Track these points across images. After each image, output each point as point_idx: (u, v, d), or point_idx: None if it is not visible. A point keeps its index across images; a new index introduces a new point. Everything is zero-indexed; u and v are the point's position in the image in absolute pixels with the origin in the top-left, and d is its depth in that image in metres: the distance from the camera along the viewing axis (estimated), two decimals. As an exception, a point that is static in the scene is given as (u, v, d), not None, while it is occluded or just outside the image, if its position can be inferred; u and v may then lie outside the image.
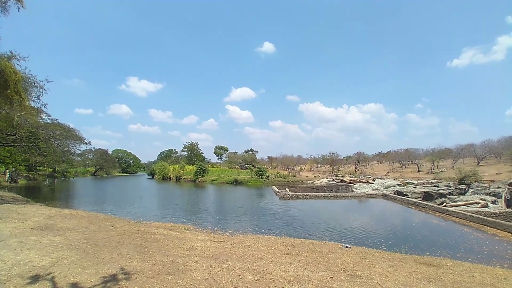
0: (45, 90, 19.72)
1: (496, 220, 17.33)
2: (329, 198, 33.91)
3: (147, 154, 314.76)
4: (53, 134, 25.93)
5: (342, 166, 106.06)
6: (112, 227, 13.26)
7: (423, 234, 16.16)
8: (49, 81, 19.76)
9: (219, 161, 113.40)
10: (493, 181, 40.56)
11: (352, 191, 41.62)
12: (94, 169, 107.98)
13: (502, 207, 25.91)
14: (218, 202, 34.04)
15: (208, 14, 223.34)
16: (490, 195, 31.22)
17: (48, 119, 25.71)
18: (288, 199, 32.51)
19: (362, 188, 43.40)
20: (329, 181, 57.88)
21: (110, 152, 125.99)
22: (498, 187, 33.90)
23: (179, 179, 77.57)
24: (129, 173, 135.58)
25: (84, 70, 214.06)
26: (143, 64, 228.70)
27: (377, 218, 22.05)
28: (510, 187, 33.74)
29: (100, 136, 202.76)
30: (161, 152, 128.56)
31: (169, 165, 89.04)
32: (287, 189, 40.36)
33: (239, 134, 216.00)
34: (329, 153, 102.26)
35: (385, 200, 31.92)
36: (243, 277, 6.90)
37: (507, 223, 16.46)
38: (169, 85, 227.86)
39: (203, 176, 73.01)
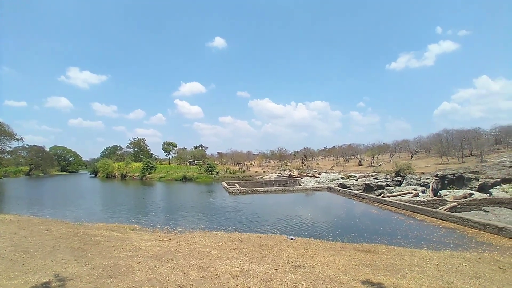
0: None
1: (424, 207, 19.15)
2: (277, 192, 34.69)
3: (89, 151, 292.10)
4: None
5: (290, 161, 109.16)
6: (46, 231, 12.22)
7: (365, 223, 17.22)
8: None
9: (168, 157, 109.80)
10: (423, 173, 44.76)
11: (299, 185, 43.08)
12: (28, 168, 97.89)
13: (429, 196, 28.73)
14: (167, 200, 33.01)
15: (158, 5, 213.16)
16: (421, 186, 34.45)
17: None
18: (238, 195, 32.66)
19: (309, 182, 45.15)
20: (277, 176, 59.27)
21: (47, 149, 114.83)
22: (427, 178, 37.52)
23: (124, 177, 73.75)
24: (69, 172, 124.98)
25: (16, 57, 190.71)
26: (86, 54, 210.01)
27: (323, 210, 23.09)
28: (436, 178, 37.55)
29: (35, 131, 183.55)
30: (104, 149, 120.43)
31: (114, 163, 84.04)
32: (236, 184, 40.49)
33: (189, 130, 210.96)
34: (278, 148, 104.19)
35: (330, 192, 33.53)
36: (188, 275, 6.79)
37: (433, 209, 18.28)
38: (114, 77, 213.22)
39: (150, 173, 70.27)
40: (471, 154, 60.33)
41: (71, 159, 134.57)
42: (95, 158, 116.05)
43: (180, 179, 62.39)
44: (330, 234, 14.54)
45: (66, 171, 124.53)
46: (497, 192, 27.54)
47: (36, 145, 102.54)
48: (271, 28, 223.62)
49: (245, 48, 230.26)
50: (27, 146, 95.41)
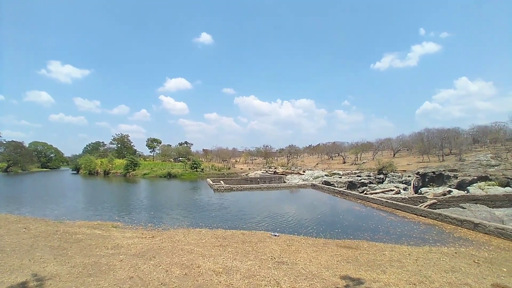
0: None
1: (405, 204, 19.61)
2: (262, 190, 34.78)
3: (71, 147, 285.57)
4: None
5: (275, 158, 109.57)
6: (24, 229, 11.88)
7: (349, 220, 17.48)
8: None
9: (152, 154, 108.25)
10: (405, 171, 45.83)
11: (284, 182, 43.39)
12: (6, 165, 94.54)
13: (411, 193, 29.44)
14: (151, 197, 32.60)
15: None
16: (402, 183, 35.27)
17: None
18: (223, 192, 32.58)
19: (294, 179, 45.52)
20: (262, 173, 59.46)
21: (27, 145, 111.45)
22: (409, 176, 38.47)
23: (107, 174, 72.31)
24: (50, 169, 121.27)
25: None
26: (68, 47, 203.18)
27: (307, 207, 23.29)
28: (417, 176, 38.51)
29: (13, 127, 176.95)
30: (87, 145, 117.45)
31: (97, 159, 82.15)
32: (221, 181, 40.38)
33: (174, 126, 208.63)
34: (263, 146, 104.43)
35: (314, 190, 33.86)
36: (170, 272, 6.75)
37: (414, 206, 18.75)
38: (98, 72, 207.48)
39: (134, 170, 69.14)
40: (450, 152, 62.10)
41: (52, 155, 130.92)
42: (77, 154, 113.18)
43: (165, 176, 61.70)
44: (315, 231, 14.68)
45: (46, 168, 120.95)
46: (474, 190, 28.49)
47: (14, 141, 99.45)
48: (258, 25, 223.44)
49: (231, 44, 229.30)
50: (4, 142, 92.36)
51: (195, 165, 66.72)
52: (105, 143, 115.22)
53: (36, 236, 10.59)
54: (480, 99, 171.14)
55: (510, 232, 12.22)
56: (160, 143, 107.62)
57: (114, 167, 74.78)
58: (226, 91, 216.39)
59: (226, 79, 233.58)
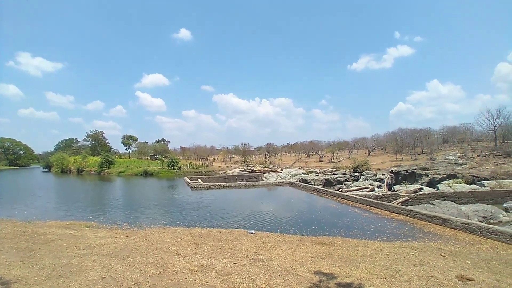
0: None
1: (379, 201, 20.21)
2: (240, 188, 34.82)
3: (42, 144, 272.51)
4: None
5: (254, 156, 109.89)
6: (-12, 230, 11.29)
7: (325, 217, 17.80)
8: None
9: (128, 151, 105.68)
10: (379, 169, 47.22)
11: (262, 180, 43.63)
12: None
13: (384, 190, 30.35)
14: (127, 195, 31.91)
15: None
16: (377, 181, 36.30)
17: None
18: (200, 190, 32.33)
19: (271, 177, 45.84)
20: (240, 171, 59.55)
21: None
22: (383, 174, 39.66)
23: (81, 172, 70.10)
24: (18, 166, 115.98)
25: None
26: (39, 38, 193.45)
27: (285, 204, 23.55)
28: (391, 174, 39.79)
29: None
30: (59, 142, 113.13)
31: (70, 156, 79.41)
32: (199, 179, 40.05)
33: (150, 123, 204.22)
34: (241, 144, 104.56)
35: (292, 187, 34.22)
36: (144, 272, 6.63)
37: (387, 203, 19.36)
38: (72, 65, 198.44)
39: (109, 168, 67.49)
40: (422, 152, 64.45)
41: (21, 152, 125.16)
42: (49, 151, 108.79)
43: (141, 174, 60.65)
44: (292, 228, 14.83)
45: (15, 166, 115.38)
46: (443, 187, 29.75)
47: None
48: (237, 23, 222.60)
49: (211, 41, 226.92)
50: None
51: (172, 163, 65.88)
52: (78, 140, 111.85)
53: (1, 238, 10.12)
54: (449, 101, 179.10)
55: (474, 226, 12.87)
56: (136, 140, 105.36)
57: (88, 165, 72.54)
58: (204, 88, 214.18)
59: (205, 76, 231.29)
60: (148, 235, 11.42)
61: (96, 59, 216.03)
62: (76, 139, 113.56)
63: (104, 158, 69.06)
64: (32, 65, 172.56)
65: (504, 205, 19.16)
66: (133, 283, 6.01)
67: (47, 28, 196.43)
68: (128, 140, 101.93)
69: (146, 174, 60.65)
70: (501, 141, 57.76)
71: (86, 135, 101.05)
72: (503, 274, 7.00)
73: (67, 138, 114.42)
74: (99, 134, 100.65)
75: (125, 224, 16.02)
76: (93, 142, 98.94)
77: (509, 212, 17.83)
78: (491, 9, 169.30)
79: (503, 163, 40.85)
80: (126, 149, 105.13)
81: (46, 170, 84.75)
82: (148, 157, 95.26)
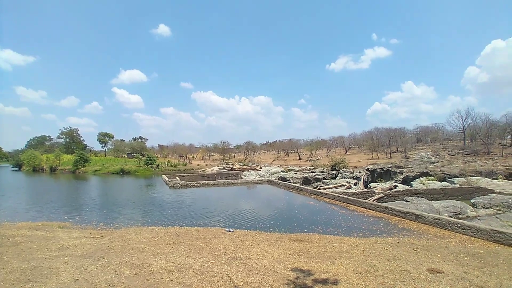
0: None
1: (355, 198, 20.66)
2: (219, 186, 34.65)
3: (12, 141, 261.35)
4: None
5: (233, 154, 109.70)
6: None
7: (304, 215, 18.00)
8: None
9: (104, 149, 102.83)
10: (356, 167, 48.27)
11: (241, 178, 43.64)
12: None
13: (361, 188, 31.06)
14: (103, 194, 30.99)
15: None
16: (354, 179, 37.10)
17: None
18: (179, 188, 31.93)
19: (250, 175, 45.92)
20: (219, 169, 59.27)
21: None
22: (359, 172, 40.60)
23: (54, 171, 67.39)
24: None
25: None
26: (8, 29, 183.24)
27: (264, 202, 23.65)
28: (367, 172, 40.80)
29: None
30: (31, 139, 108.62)
31: (42, 154, 76.21)
32: (177, 178, 39.55)
33: (128, 120, 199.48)
34: (221, 142, 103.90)
35: (270, 185, 34.41)
36: (119, 272, 6.47)
37: (363, 200, 19.83)
38: (44, 59, 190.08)
39: (84, 166, 65.30)
40: (397, 150, 66.47)
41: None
42: (19, 149, 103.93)
43: (117, 173, 59.32)
44: (271, 226, 14.91)
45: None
46: (417, 184, 30.82)
47: None
48: (218, 20, 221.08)
49: (190, 38, 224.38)
50: None
51: (150, 161, 64.67)
52: (51, 137, 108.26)
53: (-36, 241, 9.59)
54: (423, 102, 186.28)
55: (445, 221, 13.43)
56: (113, 138, 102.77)
57: (61, 163, 69.88)
58: (183, 86, 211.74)
59: (184, 73, 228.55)
60: (124, 235, 11.14)
61: (71, 53, 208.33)
62: (49, 136, 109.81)
63: (78, 156, 66.83)
64: (1, 58, 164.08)
65: (472, 201, 20.07)
66: (108, 284, 5.85)
67: (18, 18, 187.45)
68: (104, 138, 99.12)
69: (122, 172, 59.33)
70: (469, 141, 60.65)
71: (60, 132, 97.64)
72: (470, 266, 7.34)
73: (40, 135, 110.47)
74: (73, 131, 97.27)
75: (101, 224, 15.57)
76: (67, 140, 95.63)
77: (476, 208, 18.70)
78: (462, 16, 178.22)
79: (471, 161, 42.89)
80: (102, 147, 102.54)
81: (16, 169, 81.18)
82: (125, 155, 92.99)
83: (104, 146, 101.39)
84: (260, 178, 40.19)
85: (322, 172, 43.16)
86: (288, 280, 6.17)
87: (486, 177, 32.26)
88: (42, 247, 9.10)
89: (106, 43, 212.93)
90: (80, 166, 64.98)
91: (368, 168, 42.75)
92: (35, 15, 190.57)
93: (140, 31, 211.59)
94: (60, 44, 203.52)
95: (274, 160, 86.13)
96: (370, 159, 61.28)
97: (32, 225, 14.09)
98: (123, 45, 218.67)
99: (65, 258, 7.69)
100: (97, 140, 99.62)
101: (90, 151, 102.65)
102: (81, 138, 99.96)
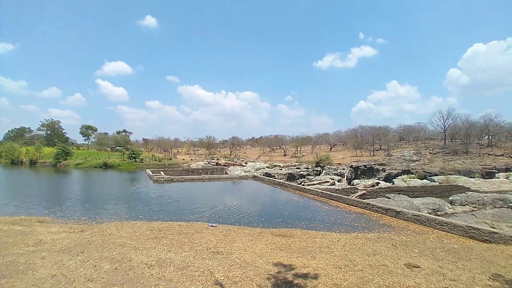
0: None
1: (339, 195, 20.99)
2: (204, 181, 34.56)
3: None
4: None
5: (218, 149, 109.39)
6: None
7: (288, 210, 18.20)
8: None
9: (87, 142, 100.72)
10: (340, 164, 48.99)
11: (226, 173, 43.63)
12: None
13: (344, 184, 31.53)
14: (85, 189, 30.42)
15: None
16: (337, 175, 37.61)
17: None
18: (163, 183, 31.65)
19: (236, 171, 45.96)
20: (205, 164, 59.04)
21: None
22: (343, 169, 41.18)
23: (34, 164, 65.32)
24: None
25: None
26: None
27: (249, 197, 23.74)
28: (351, 169, 41.43)
29: None
30: (9, 131, 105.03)
31: (21, 147, 73.88)
32: (161, 172, 39.18)
33: (111, 113, 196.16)
34: (206, 136, 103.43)
35: (255, 181, 34.51)
36: (99, 267, 6.37)
37: (346, 197, 20.15)
38: (24, 47, 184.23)
39: (66, 159, 63.64)
40: (380, 148, 67.80)
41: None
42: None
43: (100, 166, 58.23)
44: (256, 221, 15.00)
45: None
46: (398, 182, 31.55)
47: None
48: (206, 14, 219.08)
49: (177, 31, 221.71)
50: None
51: (134, 155, 63.68)
52: (32, 129, 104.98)
53: None
54: (407, 101, 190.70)
55: (424, 218, 13.84)
56: (96, 130, 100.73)
57: (42, 156, 67.82)
58: (169, 79, 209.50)
59: (170, 66, 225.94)
60: (105, 230, 10.96)
61: (53, 42, 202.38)
62: (29, 128, 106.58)
63: (60, 149, 65.05)
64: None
65: (450, 198, 20.73)
66: (86, 279, 5.75)
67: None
68: (87, 131, 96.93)
69: (106, 166, 58.32)
70: (450, 140, 62.41)
71: (41, 124, 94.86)
72: (445, 261, 7.59)
73: (19, 127, 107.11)
74: (55, 124, 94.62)
75: (83, 218, 15.30)
76: (48, 132, 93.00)
77: (454, 205, 19.34)
78: (447, 19, 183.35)
79: (450, 160, 44.18)
80: (84, 140, 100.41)
81: (-7, 161, 78.53)
82: (108, 149, 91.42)
83: (87, 139, 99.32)
84: (245, 174, 40.27)
85: (307, 168, 43.58)
86: (269, 274, 6.22)
87: (464, 175, 33.36)
88: (18, 242, 8.86)
89: (91, 33, 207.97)
90: (62, 159, 63.37)
91: (352, 165, 43.43)
92: (16, 0, 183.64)
93: (126, 22, 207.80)
94: (41, 32, 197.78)
95: (259, 156, 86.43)
96: (354, 156, 62.27)
97: (9, 220, 13.66)
98: (108, 35, 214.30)
99: (43, 253, 7.50)
100: (80, 133, 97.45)
101: (73, 144, 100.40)
102: (63, 131, 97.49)
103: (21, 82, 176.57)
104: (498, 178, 32.16)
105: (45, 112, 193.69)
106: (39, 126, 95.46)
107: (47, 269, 6.29)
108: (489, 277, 6.37)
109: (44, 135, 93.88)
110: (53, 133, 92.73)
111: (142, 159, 64.85)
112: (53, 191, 27.97)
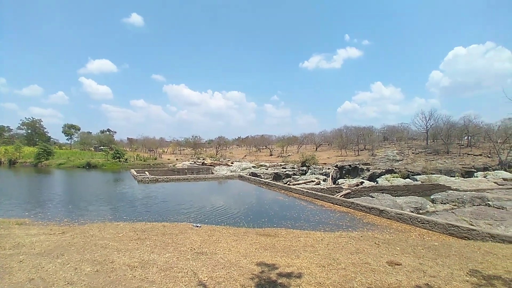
0: None
1: (323, 194, 21.19)
2: (189, 181, 34.29)
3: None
4: None
5: (205, 149, 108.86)
6: None
7: (274, 210, 18.25)
8: None
9: (69, 142, 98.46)
10: (325, 163, 49.51)
11: (212, 173, 43.45)
12: None
13: (329, 184, 31.87)
14: (68, 189, 29.72)
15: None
16: (323, 175, 37.99)
17: None
18: (148, 183, 31.23)
19: (222, 171, 45.85)
20: (190, 164, 58.63)
21: None
22: (328, 168, 41.62)
23: (14, 164, 63.35)
24: None
25: None
26: None
27: (234, 197, 23.71)
28: (336, 168, 41.92)
29: None
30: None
31: (0, 146, 71.61)
32: (146, 172, 38.71)
33: (95, 112, 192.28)
34: (192, 136, 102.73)
35: (241, 181, 34.46)
36: (80, 270, 6.23)
37: (331, 196, 20.38)
38: (4, 43, 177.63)
39: (47, 159, 62.06)
40: (365, 148, 68.84)
41: None
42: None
43: (83, 166, 57.10)
44: (242, 221, 14.95)
45: None
46: (382, 181, 32.09)
47: None
48: (193, 13, 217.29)
49: (164, 29, 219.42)
50: None
51: (118, 154, 62.64)
52: (11, 128, 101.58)
53: None
54: (391, 102, 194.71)
55: (406, 216, 14.15)
56: (79, 130, 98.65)
57: (22, 156, 65.82)
58: (155, 78, 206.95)
59: (156, 65, 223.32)
60: (87, 231, 10.72)
61: (34, 38, 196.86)
62: (8, 127, 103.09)
63: (41, 149, 63.34)
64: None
65: (431, 197, 21.29)
66: (66, 282, 5.61)
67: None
68: (69, 130, 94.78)
69: (89, 166, 57.24)
70: (432, 140, 63.99)
71: (21, 122, 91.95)
72: (425, 258, 7.77)
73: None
74: (36, 122, 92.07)
75: (65, 220, 14.90)
76: (29, 131, 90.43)
77: (435, 203, 19.86)
78: (429, 22, 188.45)
79: (432, 160, 45.29)
80: (67, 139, 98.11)
81: (-31, 161, 75.72)
82: (92, 148, 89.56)
83: (70, 138, 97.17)
84: (231, 174, 40.20)
85: (292, 168, 43.86)
86: (253, 274, 6.23)
87: (445, 174, 34.26)
88: (-5, 245, 8.59)
89: (74, 29, 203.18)
90: (43, 159, 61.75)
91: (337, 165, 43.99)
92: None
93: (112, 19, 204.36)
94: (22, 29, 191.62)
95: (245, 156, 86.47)
96: (339, 156, 63.03)
97: (-15, 222, 13.22)
98: (92, 33, 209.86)
99: (20, 257, 7.28)
100: (62, 132, 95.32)
101: (55, 143, 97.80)
102: (45, 130, 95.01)
103: (0, 79, 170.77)
104: (477, 177, 33.18)
105: (26, 110, 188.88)
106: (19, 125, 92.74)
107: (24, 273, 6.11)
108: (467, 272, 6.56)
109: (25, 134, 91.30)
110: (34, 132, 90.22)
111: (126, 159, 63.88)
112: (34, 192, 27.13)
